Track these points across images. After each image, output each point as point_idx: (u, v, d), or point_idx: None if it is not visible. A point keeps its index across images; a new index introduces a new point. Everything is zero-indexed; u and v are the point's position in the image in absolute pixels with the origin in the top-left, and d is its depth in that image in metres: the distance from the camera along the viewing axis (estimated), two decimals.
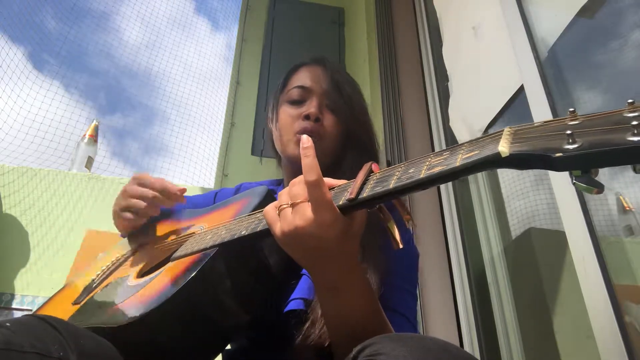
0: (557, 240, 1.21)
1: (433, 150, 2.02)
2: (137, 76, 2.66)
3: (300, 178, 0.58)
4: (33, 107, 2.07)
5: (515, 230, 1.52)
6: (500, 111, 1.53)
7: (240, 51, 2.68)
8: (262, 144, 2.34)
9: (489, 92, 1.60)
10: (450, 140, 1.89)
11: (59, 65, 2.28)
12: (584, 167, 0.35)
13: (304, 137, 0.57)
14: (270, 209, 0.59)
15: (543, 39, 1.35)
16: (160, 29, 2.76)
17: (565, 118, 0.38)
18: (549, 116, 1.20)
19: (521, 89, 1.37)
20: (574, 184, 0.36)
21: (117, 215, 0.94)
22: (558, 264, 1.27)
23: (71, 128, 2.17)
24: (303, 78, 0.96)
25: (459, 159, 0.43)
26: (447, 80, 1.92)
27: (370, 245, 0.75)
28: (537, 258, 1.42)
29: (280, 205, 0.57)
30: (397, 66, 2.26)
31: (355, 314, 0.61)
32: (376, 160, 0.95)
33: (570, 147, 0.35)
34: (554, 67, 1.30)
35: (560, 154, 0.35)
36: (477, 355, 1.52)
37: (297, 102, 0.93)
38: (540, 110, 1.24)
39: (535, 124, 0.40)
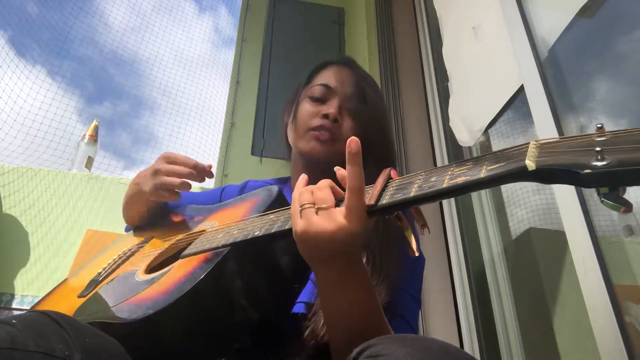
0: (557, 240, 1.21)
1: (433, 150, 2.02)
2: (127, 66, 2.63)
3: (326, 182, 0.57)
4: (31, 106, 2.05)
5: (515, 230, 1.52)
6: (500, 111, 1.53)
7: (240, 51, 2.68)
8: (262, 144, 2.34)
9: (489, 92, 1.59)
10: (450, 140, 1.89)
11: (40, 53, 2.22)
12: (613, 184, 0.35)
13: (354, 141, 0.53)
14: (295, 201, 0.58)
15: (543, 39, 1.35)
16: (146, 12, 2.73)
17: (593, 134, 0.38)
18: (549, 116, 1.20)
19: (521, 89, 1.37)
20: (602, 201, 0.36)
21: (133, 200, 0.94)
22: (558, 264, 1.27)
23: (71, 128, 2.16)
24: (328, 77, 0.95)
25: (484, 170, 0.43)
26: (447, 80, 1.92)
27: (382, 253, 0.75)
28: (537, 258, 1.42)
29: (303, 205, 0.56)
30: (397, 66, 2.26)
31: (355, 309, 0.61)
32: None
33: (599, 164, 0.34)
34: (554, 67, 1.30)
35: (588, 171, 0.35)
36: (477, 355, 1.52)
37: (319, 100, 0.93)
38: (540, 110, 1.24)
39: (562, 139, 0.40)
